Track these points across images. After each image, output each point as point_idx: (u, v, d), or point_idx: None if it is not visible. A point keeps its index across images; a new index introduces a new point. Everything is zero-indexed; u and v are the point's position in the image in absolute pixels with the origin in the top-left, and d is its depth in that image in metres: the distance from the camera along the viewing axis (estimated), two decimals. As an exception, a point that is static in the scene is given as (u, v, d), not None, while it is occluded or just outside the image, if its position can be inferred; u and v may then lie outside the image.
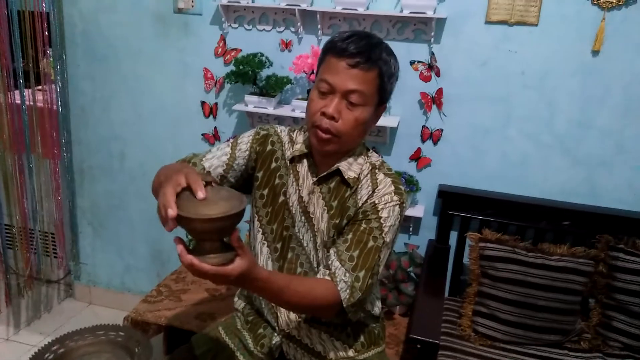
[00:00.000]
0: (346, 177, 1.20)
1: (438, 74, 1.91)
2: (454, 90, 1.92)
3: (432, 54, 1.90)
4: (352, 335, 1.31)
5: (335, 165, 1.20)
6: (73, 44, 2.28)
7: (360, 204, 1.19)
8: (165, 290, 1.99)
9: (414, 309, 1.58)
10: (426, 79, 1.93)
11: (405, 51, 1.91)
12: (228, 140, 1.30)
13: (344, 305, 1.10)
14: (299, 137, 1.27)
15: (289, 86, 2.04)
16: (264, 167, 1.26)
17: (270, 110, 1.99)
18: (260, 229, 1.29)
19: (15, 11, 2.09)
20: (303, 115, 1.75)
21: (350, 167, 1.21)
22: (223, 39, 2.10)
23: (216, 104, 2.19)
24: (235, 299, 1.45)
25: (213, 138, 2.24)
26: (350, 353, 1.30)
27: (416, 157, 2.03)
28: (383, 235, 1.15)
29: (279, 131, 1.29)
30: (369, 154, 1.26)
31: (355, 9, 1.85)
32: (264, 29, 2.04)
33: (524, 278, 1.71)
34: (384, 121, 1.91)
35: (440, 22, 1.86)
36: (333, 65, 1.12)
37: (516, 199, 1.92)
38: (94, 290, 2.64)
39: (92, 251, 2.58)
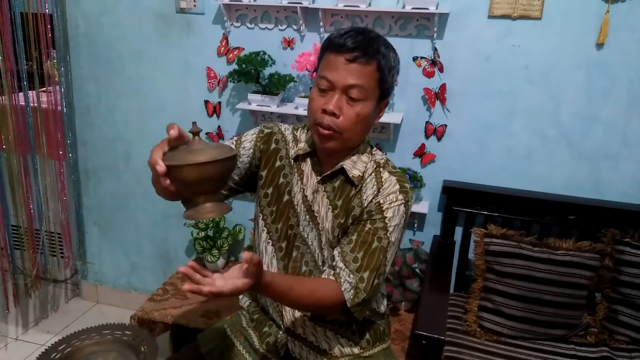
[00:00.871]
0: (350, 175, 1.19)
1: (441, 70, 1.91)
2: (457, 86, 1.91)
3: (435, 49, 1.89)
4: (357, 333, 1.31)
5: (340, 164, 1.20)
6: (76, 46, 2.29)
7: (365, 204, 1.18)
8: (171, 289, 2.00)
9: (419, 305, 1.57)
10: (429, 75, 1.92)
11: (408, 47, 1.91)
12: (232, 139, 1.30)
13: (349, 306, 1.11)
14: (303, 136, 1.27)
15: (291, 84, 2.04)
16: (268, 165, 1.26)
17: (273, 108, 1.99)
18: (265, 228, 1.29)
19: (18, 13, 2.10)
20: (306, 112, 1.74)
21: (355, 166, 1.20)
22: (225, 38, 2.10)
23: (219, 102, 2.20)
24: (241, 297, 1.45)
25: (217, 137, 2.24)
26: (356, 350, 1.30)
27: (420, 153, 2.02)
28: (388, 235, 1.15)
29: (282, 129, 1.29)
30: (373, 152, 1.25)
31: (358, 6, 1.84)
32: (266, 27, 2.04)
33: (530, 273, 1.70)
34: (387, 118, 1.91)
35: (443, 17, 1.85)
36: (332, 61, 1.12)
37: (521, 194, 1.92)
38: (100, 290, 2.66)
39: (99, 251, 2.60)
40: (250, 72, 1.97)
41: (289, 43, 2.04)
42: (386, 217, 1.15)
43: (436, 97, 1.93)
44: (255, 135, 1.27)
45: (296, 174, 1.24)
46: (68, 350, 1.02)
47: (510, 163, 1.94)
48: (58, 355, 0.99)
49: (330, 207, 1.21)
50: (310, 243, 1.24)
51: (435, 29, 1.85)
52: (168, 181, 0.83)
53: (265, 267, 1.30)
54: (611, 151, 1.84)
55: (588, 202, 1.86)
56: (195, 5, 2.09)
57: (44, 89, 2.28)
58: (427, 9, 1.79)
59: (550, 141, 1.89)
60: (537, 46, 1.81)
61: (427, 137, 2.00)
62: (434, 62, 1.91)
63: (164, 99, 2.26)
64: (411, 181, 1.95)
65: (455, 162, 1.99)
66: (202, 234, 2.18)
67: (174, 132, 0.84)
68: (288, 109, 2.00)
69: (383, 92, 1.16)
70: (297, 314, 1.28)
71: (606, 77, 1.78)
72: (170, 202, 1.13)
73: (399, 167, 1.27)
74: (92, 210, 2.53)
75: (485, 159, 1.96)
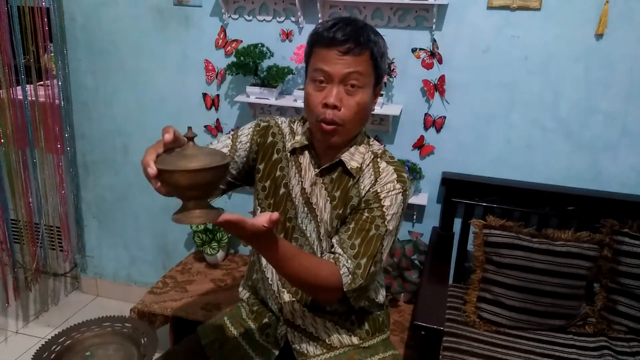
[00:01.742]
0: (349, 167, 1.20)
1: (440, 61, 1.90)
2: (456, 77, 1.91)
3: (434, 40, 1.89)
4: (356, 323, 1.32)
5: (338, 157, 1.20)
6: (74, 39, 2.28)
7: (363, 194, 1.19)
8: (171, 282, 2.00)
9: (418, 296, 1.58)
10: (428, 67, 1.92)
11: (406, 39, 1.90)
12: (229, 133, 1.29)
13: (345, 290, 1.10)
14: (299, 128, 1.27)
15: (290, 76, 2.04)
16: (265, 158, 1.26)
17: (272, 101, 1.99)
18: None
19: (15, 7, 2.08)
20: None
21: (353, 157, 1.20)
22: (223, 30, 2.09)
23: (218, 95, 2.19)
24: (240, 289, 1.46)
25: (215, 130, 2.24)
26: (355, 341, 1.31)
27: (419, 145, 2.02)
28: (385, 223, 1.15)
29: (279, 122, 1.29)
30: (371, 143, 1.25)
31: (356, -3, 1.84)
32: (264, 20, 2.04)
33: (529, 264, 1.70)
34: (386, 110, 1.90)
35: (442, 8, 1.85)
36: (324, 55, 1.11)
37: (520, 185, 1.92)
38: (100, 283, 2.67)
39: (98, 244, 2.60)
40: (249, 64, 1.97)
41: (287, 35, 2.03)
42: (384, 205, 1.16)
43: (435, 88, 1.93)
44: (252, 129, 1.27)
45: (294, 167, 1.24)
46: (68, 342, 1.02)
47: (510, 154, 1.94)
48: (58, 348, 0.99)
49: (328, 198, 1.21)
50: (308, 235, 1.25)
51: (434, 20, 1.84)
52: (159, 184, 0.83)
53: (264, 261, 1.30)
54: (611, 142, 1.84)
55: (587, 193, 1.86)
56: (192, -3, 2.08)
57: (42, 82, 2.28)
58: (425, 0, 1.78)
59: (549, 132, 1.89)
60: (537, 37, 1.80)
61: (426, 129, 2.00)
62: (432, 54, 1.90)
63: (162, 92, 2.26)
64: (410, 173, 1.95)
65: (455, 153, 1.99)
66: (202, 227, 2.18)
67: (168, 137, 0.85)
68: (287, 101, 2.00)
69: (377, 78, 1.16)
70: (296, 305, 1.28)
71: (605, 68, 1.78)
72: (169, 196, 1.13)
73: (398, 159, 1.27)
74: (91, 204, 2.53)
75: (485, 150, 1.96)
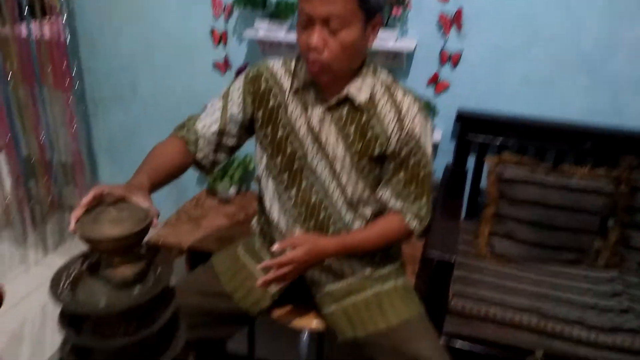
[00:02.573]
0: (357, 101, 1.17)
1: (458, -8, 1.82)
2: (474, 10, 1.83)
3: (452, -31, 1.80)
4: (369, 254, 1.32)
5: (345, 91, 1.17)
6: (77, -28, 2.20)
7: (389, 132, 1.17)
8: (184, 216, 2.02)
9: (430, 229, 1.57)
10: (445, -1, 1.84)
11: (423, -32, 1.81)
12: (221, 94, 1.29)
13: (416, 235, 1.26)
14: (299, 66, 1.22)
15: (300, 10, 1.97)
16: (262, 106, 1.24)
17: (281, 36, 1.92)
18: (265, 164, 1.29)
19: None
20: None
21: (360, 90, 1.17)
22: (232, -40, 2.00)
23: (225, 31, 2.13)
24: (253, 221, 1.47)
25: (224, 67, 2.19)
26: (367, 270, 1.32)
27: (434, 81, 1.97)
28: (428, 158, 1.22)
29: (270, 66, 1.25)
30: (377, 72, 1.21)
31: None
32: (273, -52, 1.94)
33: (543, 199, 1.70)
34: (400, 45, 1.84)
35: None
36: None
37: (536, 121, 1.88)
38: (115, 219, 2.70)
39: (111, 179, 2.60)
40: (257, -3, 1.90)
41: (298, -36, 1.94)
42: (421, 143, 1.19)
43: (452, 22, 1.86)
44: (242, 82, 1.26)
45: (299, 106, 1.21)
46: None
47: (528, 90, 1.89)
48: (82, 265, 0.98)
49: (339, 135, 1.19)
50: (319, 173, 1.23)
51: (454, -53, 1.75)
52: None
53: (268, 204, 1.31)
54: (633, 77, 1.78)
55: (605, 129, 1.82)
56: None
57: (47, 18, 2.22)
58: None
59: (570, 66, 1.82)
60: (561, -36, 1.71)
61: (441, 64, 1.94)
62: (450, -16, 1.82)
63: (169, 28, 2.19)
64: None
65: (471, 89, 1.94)
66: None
67: (85, 200, 0.90)
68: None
69: (368, 12, 1.08)
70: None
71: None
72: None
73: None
74: (102, 140, 2.53)
75: (502, 86, 1.91)
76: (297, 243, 1.15)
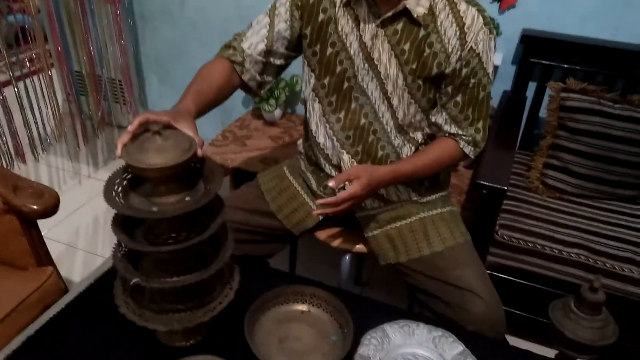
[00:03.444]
0: (415, 15, 1.07)
1: None
2: None
3: None
4: (416, 180, 1.29)
5: (402, 4, 1.07)
6: None
7: (450, 49, 1.08)
8: (230, 136, 2.03)
9: (481, 157, 1.51)
10: None
11: None
12: (268, 8, 1.21)
13: (472, 157, 1.22)
14: None
15: None
16: (310, 22, 1.16)
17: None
18: (313, 87, 1.23)
19: None
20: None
21: (419, 2, 1.07)
22: None
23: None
24: (299, 142, 1.44)
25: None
26: (414, 196, 1.29)
27: (499, -3, 1.81)
28: (489, 77, 1.14)
29: None
30: None
31: None
32: None
33: (606, 131, 1.58)
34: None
35: None
36: None
37: (607, 45, 1.71)
38: (162, 136, 2.75)
39: (159, 97, 2.63)
40: None
41: None
42: (483, 61, 1.11)
43: None
44: None
45: (350, 21, 1.13)
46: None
47: (603, 10, 1.71)
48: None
49: (393, 52, 1.11)
50: (370, 94, 1.17)
51: None
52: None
53: (314, 127, 1.27)
54: None
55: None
56: None
57: None
58: None
59: (655, -17, 1.63)
60: None
61: (508, -22, 1.77)
62: None
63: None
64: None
65: (539, 7, 1.77)
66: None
67: (131, 127, 0.89)
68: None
69: None
70: (354, 161, 1.26)
71: None
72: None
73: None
74: (149, 57, 2.52)
75: (574, 5, 1.73)
76: (353, 176, 1.11)
